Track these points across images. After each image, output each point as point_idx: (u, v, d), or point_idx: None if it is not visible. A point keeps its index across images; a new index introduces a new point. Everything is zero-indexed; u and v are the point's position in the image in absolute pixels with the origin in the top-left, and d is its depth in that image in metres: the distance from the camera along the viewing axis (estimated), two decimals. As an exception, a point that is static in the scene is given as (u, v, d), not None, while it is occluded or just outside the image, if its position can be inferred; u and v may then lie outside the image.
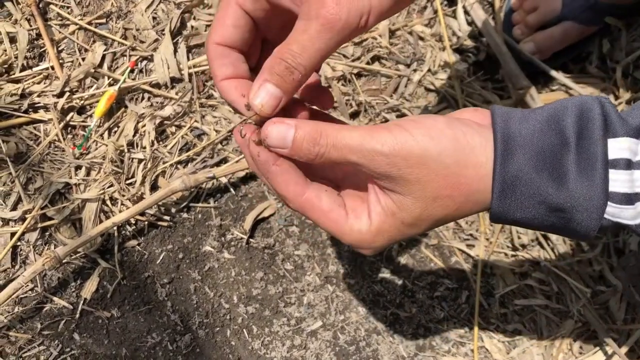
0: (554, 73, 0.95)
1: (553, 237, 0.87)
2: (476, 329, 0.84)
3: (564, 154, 0.39)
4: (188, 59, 0.95)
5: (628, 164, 0.39)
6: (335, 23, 0.40)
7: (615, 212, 0.39)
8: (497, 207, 0.41)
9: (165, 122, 0.92)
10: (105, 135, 0.91)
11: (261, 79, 0.42)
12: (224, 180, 0.90)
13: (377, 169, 0.41)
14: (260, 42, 0.48)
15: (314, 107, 0.49)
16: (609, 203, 0.39)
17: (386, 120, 0.93)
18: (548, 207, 0.40)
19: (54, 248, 0.83)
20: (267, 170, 0.44)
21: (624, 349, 0.80)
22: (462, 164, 0.41)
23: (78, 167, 0.88)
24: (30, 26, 0.96)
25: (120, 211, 0.86)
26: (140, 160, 0.89)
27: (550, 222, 0.41)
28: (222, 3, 0.45)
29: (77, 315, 0.82)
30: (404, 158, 0.40)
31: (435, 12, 1.01)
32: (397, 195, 0.42)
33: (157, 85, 0.94)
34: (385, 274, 0.87)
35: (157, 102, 0.93)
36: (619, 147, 0.39)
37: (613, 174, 0.39)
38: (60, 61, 0.95)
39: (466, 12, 1.01)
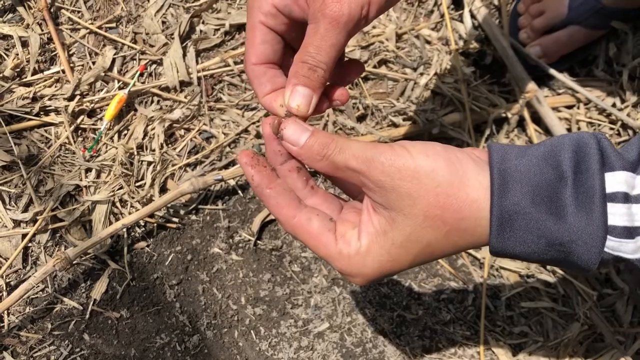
0: (560, 76, 0.95)
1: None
2: (482, 331, 0.84)
3: (561, 188, 0.40)
4: (197, 62, 0.96)
5: (626, 197, 0.39)
6: (339, 18, 0.43)
7: (615, 246, 0.40)
8: (495, 241, 0.42)
9: (174, 125, 0.93)
10: (115, 138, 0.92)
11: (291, 84, 0.46)
12: (232, 182, 0.91)
13: (373, 176, 0.42)
14: (291, 53, 0.51)
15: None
16: (608, 237, 0.39)
17: (393, 124, 0.93)
18: (547, 241, 0.40)
19: (65, 249, 0.84)
20: (261, 193, 0.46)
21: (631, 352, 0.80)
22: (453, 185, 0.42)
23: (88, 170, 0.90)
24: (42, 30, 0.97)
25: (129, 213, 0.87)
26: (149, 163, 0.90)
27: (550, 255, 0.42)
28: (248, 26, 0.48)
29: (87, 316, 0.83)
30: (398, 170, 0.42)
31: (442, 16, 1.01)
32: (388, 211, 0.43)
33: (167, 89, 0.95)
34: (392, 276, 0.87)
35: (166, 106, 0.94)
36: (616, 181, 0.39)
37: (611, 207, 0.39)
38: (71, 65, 0.96)
39: (473, 16, 1.01)
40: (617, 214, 0.39)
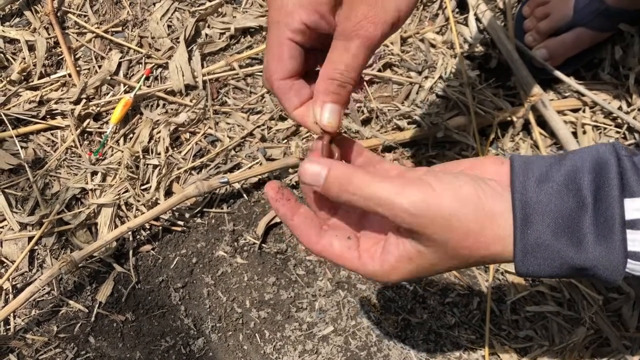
0: (566, 79, 0.95)
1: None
2: (487, 335, 0.84)
3: (582, 217, 0.41)
4: (202, 66, 0.96)
5: None
6: (373, 39, 0.45)
7: (636, 268, 0.41)
8: (521, 269, 0.43)
9: (180, 128, 0.93)
10: (121, 141, 0.92)
11: (320, 100, 0.47)
12: (237, 186, 0.91)
13: (402, 224, 0.43)
14: (308, 58, 0.52)
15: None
16: (629, 260, 0.40)
17: (398, 127, 0.93)
18: (570, 267, 0.42)
19: (70, 252, 0.84)
20: (286, 222, 0.50)
21: (637, 357, 0.80)
22: (483, 225, 0.43)
23: (94, 173, 0.90)
24: (49, 35, 0.98)
25: (135, 216, 0.87)
26: (155, 166, 0.90)
27: (575, 275, 0.44)
28: (273, 42, 0.47)
29: (93, 319, 0.84)
30: (431, 220, 0.43)
31: (447, 19, 1.01)
32: (417, 244, 0.45)
33: (172, 93, 0.95)
34: (397, 279, 0.87)
35: (171, 109, 0.95)
36: (635, 208, 0.40)
37: (630, 234, 0.40)
38: (78, 69, 0.96)
39: (478, 20, 1.01)
40: (636, 241, 0.40)
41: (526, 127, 0.95)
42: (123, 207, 0.88)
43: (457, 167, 0.48)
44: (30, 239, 0.86)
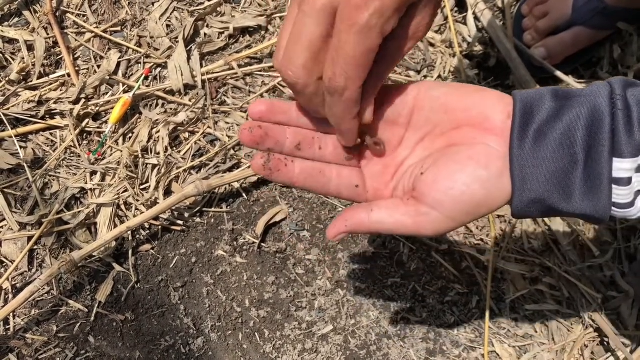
0: (565, 78, 0.95)
1: (564, 242, 0.87)
2: (487, 333, 0.84)
3: (573, 173, 0.44)
4: (201, 66, 0.96)
5: (629, 180, 0.43)
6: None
7: (620, 214, 0.45)
8: (516, 216, 0.48)
9: (179, 128, 0.93)
10: (120, 141, 0.92)
11: (370, 98, 0.48)
12: (236, 185, 0.91)
13: None
14: None
15: None
16: (613, 209, 0.44)
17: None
18: (560, 213, 0.46)
19: (70, 252, 0.84)
20: (294, 185, 0.53)
21: (636, 355, 0.80)
22: (490, 198, 0.47)
23: (93, 173, 0.90)
24: (48, 34, 0.98)
25: (134, 216, 0.87)
26: (154, 166, 0.90)
27: (565, 217, 0.49)
28: (365, 47, 0.43)
29: (92, 318, 0.84)
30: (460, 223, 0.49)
31: (446, 18, 1.01)
32: None
33: (171, 92, 0.95)
34: (396, 278, 0.88)
35: (171, 109, 0.95)
36: (623, 168, 0.43)
37: (616, 189, 0.43)
38: (77, 68, 0.96)
39: (476, 19, 1.01)
40: (621, 195, 0.43)
41: (525, 126, 0.95)
42: (122, 207, 0.88)
43: (460, 104, 0.48)
44: (29, 238, 0.86)
